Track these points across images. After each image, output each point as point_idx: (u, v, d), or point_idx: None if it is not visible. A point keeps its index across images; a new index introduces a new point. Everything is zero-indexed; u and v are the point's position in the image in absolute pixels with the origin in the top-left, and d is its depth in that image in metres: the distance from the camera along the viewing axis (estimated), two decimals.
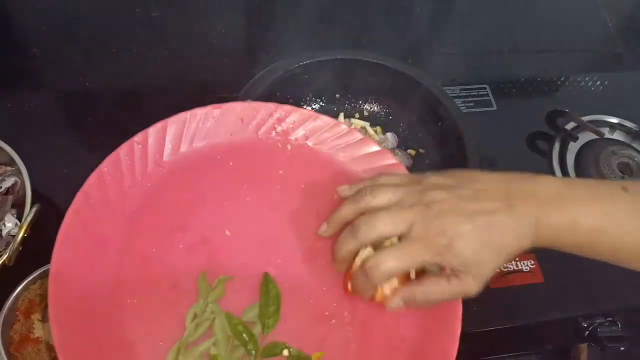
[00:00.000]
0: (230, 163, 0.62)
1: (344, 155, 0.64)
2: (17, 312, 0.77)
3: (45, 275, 0.79)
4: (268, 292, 0.57)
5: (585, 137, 1.04)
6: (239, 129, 0.62)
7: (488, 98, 1.08)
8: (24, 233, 0.77)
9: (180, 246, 0.59)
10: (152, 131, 0.60)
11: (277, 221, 0.62)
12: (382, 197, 0.53)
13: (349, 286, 0.56)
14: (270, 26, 1.18)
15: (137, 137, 0.59)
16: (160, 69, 1.09)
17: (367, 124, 0.91)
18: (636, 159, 0.99)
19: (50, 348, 0.75)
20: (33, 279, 0.78)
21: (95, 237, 0.56)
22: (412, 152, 0.90)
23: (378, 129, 0.92)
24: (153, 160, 0.60)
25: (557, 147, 1.03)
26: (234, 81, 1.05)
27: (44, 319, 0.78)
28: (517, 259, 0.89)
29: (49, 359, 0.75)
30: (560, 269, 0.90)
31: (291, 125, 0.62)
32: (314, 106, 0.90)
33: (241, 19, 1.21)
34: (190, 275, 0.57)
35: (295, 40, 1.09)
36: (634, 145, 1.05)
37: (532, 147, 1.05)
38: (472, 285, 0.53)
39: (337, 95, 0.91)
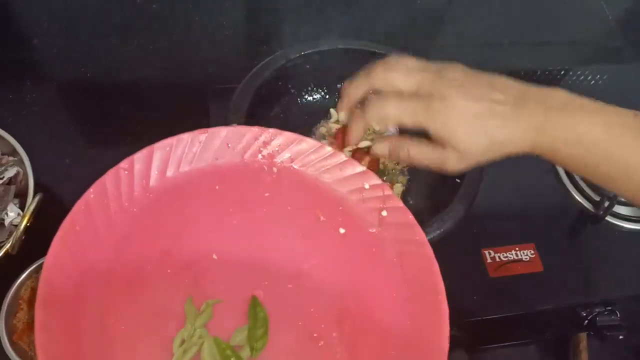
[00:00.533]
0: (217, 187, 0.63)
1: (329, 176, 0.64)
2: (20, 301, 0.77)
3: None
4: (256, 314, 0.57)
5: None
6: (225, 153, 0.62)
7: None
8: (27, 222, 0.78)
9: (168, 271, 0.59)
10: (139, 157, 0.60)
11: (264, 243, 0.62)
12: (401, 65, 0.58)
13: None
14: (271, 16, 1.18)
15: (123, 164, 0.60)
16: (162, 60, 1.09)
17: None
18: None
19: None
20: (36, 267, 0.78)
21: (83, 263, 0.56)
22: None
23: None
24: (140, 186, 0.60)
25: None
26: (235, 72, 1.05)
27: None
28: (517, 248, 0.90)
29: None
30: (560, 258, 0.91)
31: (277, 149, 0.63)
32: (315, 96, 0.91)
33: (242, 9, 1.21)
34: (178, 299, 0.57)
35: (296, 31, 1.09)
36: None
37: None
38: (452, 161, 0.55)
39: (339, 86, 0.91)
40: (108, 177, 0.60)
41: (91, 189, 0.59)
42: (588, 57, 1.27)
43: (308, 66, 0.84)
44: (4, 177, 0.84)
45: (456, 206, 0.71)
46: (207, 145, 0.62)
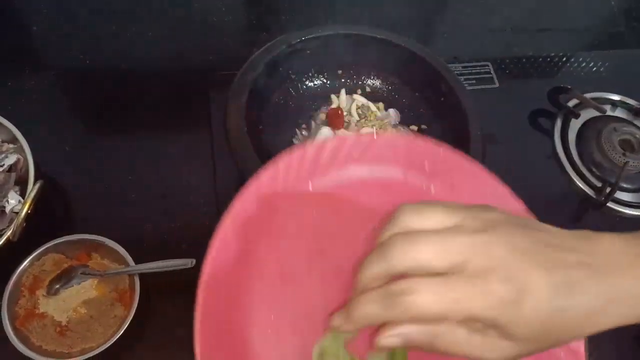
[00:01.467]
0: (374, 198, 0.59)
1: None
2: (22, 288, 0.78)
3: (49, 251, 0.79)
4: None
5: (587, 114, 1.03)
6: (389, 165, 0.59)
7: (490, 75, 1.07)
8: (28, 209, 0.77)
9: (316, 273, 0.56)
10: (304, 152, 0.57)
11: None
12: (431, 216, 0.39)
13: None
14: (272, 2, 1.17)
15: (295, 154, 0.57)
16: (162, 47, 1.08)
17: (369, 103, 0.90)
18: (637, 136, 0.99)
19: (55, 323, 0.76)
20: (37, 255, 0.78)
21: (243, 250, 0.55)
22: (414, 128, 0.90)
23: (380, 105, 0.92)
24: (303, 179, 0.58)
25: (559, 124, 1.03)
26: (235, 58, 1.04)
27: (49, 294, 0.78)
28: None
29: (54, 333, 0.76)
30: None
31: (441, 168, 0.59)
32: (315, 82, 0.90)
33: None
34: (323, 305, 0.55)
35: (297, 17, 1.09)
36: (636, 122, 1.05)
37: (534, 124, 1.05)
38: (506, 350, 0.38)
39: (339, 72, 0.91)
40: (281, 164, 0.58)
41: (262, 174, 0.57)
42: (590, 43, 1.26)
43: (309, 51, 0.84)
44: (4, 164, 0.83)
45: None
46: (377, 152, 0.59)
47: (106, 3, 1.13)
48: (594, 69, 1.17)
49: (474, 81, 1.05)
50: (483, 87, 1.05)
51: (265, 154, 0.81)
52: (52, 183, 0.90)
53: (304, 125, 0.89)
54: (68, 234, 0.80)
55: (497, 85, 1.06)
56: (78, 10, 1.11)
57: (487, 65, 1.08)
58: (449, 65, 1.04)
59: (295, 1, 1.09)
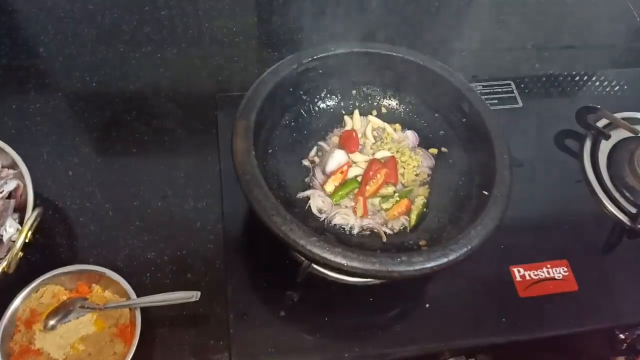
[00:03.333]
0: None
1: None
2: (17, 322, 0.74)
3: (48, 283, 0.75)
4: None
5: (618, 135, 0.97)
6: None
7: (513, 95, 1.02)
8: (25, 238, 0.73)
9: None
10: None
11: None
12: None
13: None
14: (283, 21, 1.13)
15: None
16: (169, 68, 1.05)
17: (385, 124, 0.85)
18: None
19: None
20: (35, 286, 0.74)
21: None
22: (434, 151, 0.85)
23: (397, 126, 0.86)
24: None
25: (588, 146, 0.96)
26: (245, 79, 1.01)
27: (46, 329, 0.74)
28: (548, 265, 0.83)
29: None
30: (596, 275, 0.84)
31: None
32: (328, 103, 0.85)
33: (253, 14, 1.17)
34: None
35: (308, 36, 1.05)
36: None
37: (561, 147, 0.99)
38: None
39: (353, 92, 0.86)
40: None
41: None
42: (616, 60, 1.20)
43: (321, 71, 0.79)
44: (3, 190, 0.80)
45: (485, 221, 0.65)
46: None
47: (114, 24, 1.10)
48: (621, 87, 1.11)
49: (495, 101, 1.00)
50: (506, 107, 1.00)
51: (273, 179, 0.77)
52: (53, 210, 0.87)
53: (316, 148, 0.84)
54: (68, 264, 0.76)
55: (520, 105, 1.01)
56: (85, 31, 1.09)
57: (509, 84, 1.03)
58: (470, 84, 1.01)
59: (308, 20, 1.05)
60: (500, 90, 1.02)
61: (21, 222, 0.78)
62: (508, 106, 1.00)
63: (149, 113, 0.99)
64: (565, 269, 0.83)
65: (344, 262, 0.59)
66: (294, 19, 1.13)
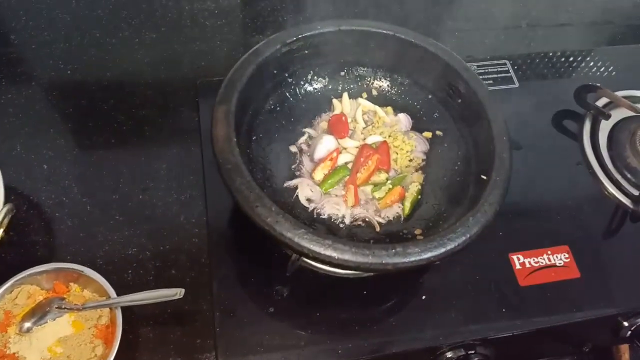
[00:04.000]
0: None
1: None
2: None
3: (23, 282, 0.71)
4: None
5: (619, 114, 0.93)
6: None
7: (509, 74, 0.98)
8: None
9: None
10: None
11: None
12: None
13: None
14: (268, 1, 1.08)
15: None
16: (149, 53, 1.00)
17: (375, 107, 0.81)
18: None
19: None
20: (9, 287, 0.70)
21: None
22: (428, 134, 0.80)
23: (389, 109, 0.82)
24: None
25: (587, 126, 0.93)
26: (227, 64, 0.95)
27: (21, 332, 0.70)
28: (549, 252, 0.80)
29: None
30: (599, 261, 0.81)
31: None
32: (315, 86, 0.80)
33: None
34: None
35: (295, 18, 1.00)
36: None
37: (559, 128, 0.95)
38: None
39: (342, 73, 0.81)
40: None
41: None
42: (613, 37, 1.16)
43: (307, 51, 0.74)
44: None
45: (484, 207, 0.61)
46: None
47: (90, 7, 1.05)
48: (620, 65, 1.07)
49: (491, 81, 0.96)
50: (502, 87, 0.96)
51: (258, 167, 0.72)
52: (27, 205, 0.82)
53: (305, 135, 0.79)
54: (44, 262, 0.72)
55: (516, 85, 0.97)
56: (59, 16, 1.03)
57: (505, 64, 0.99)
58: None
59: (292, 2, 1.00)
60: (495, 70, 0.98)
61: None
62: (504, 86, 0.96)
63: (127, 102, 0.94)
64: (567, 255, 0.79)
65: (334, 255, 0.55)
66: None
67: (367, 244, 0.57)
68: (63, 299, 0.73)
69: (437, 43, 0.75)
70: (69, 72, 0.97)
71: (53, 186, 0.85)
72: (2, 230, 0.70)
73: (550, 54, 1.05)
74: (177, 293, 0.71)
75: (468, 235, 0.58)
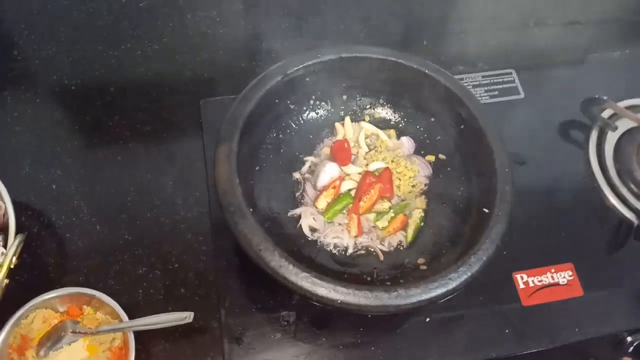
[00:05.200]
0: None
1: None
2: (9, 350, 0.72)
3: (38, 307, 0.73)
4: None
5: (625, 125, 0.92)
6: None
7: (514, 85, 0.96)
8: (10, 264, 0.71)
9: None
10: None
11: None
12: None
13: None
14: (270, 8, 1.06)
15: None
16: (151, 66, 0.99)
17: (378, 130, 0.80)
18: None
19: None
20: (24, 312, 0.71)
21: None
22: (431, 158, 0.80)
23: (392, 132, 0.81)
24: None
25: (593, 137, 0.92)
26: (231, 79, 0.96)
27: (38, 356, 0.72)
28: (552, 270, 0.80)
29: None
30: (602, 279, 0.81)
31: None
32: (318, 112, 0.80)
33: (239, 6, 1.09)
34: None
35: (298, 23, 0.98)
36: None
37: (565, 138, 0.94)
38: None
39: (344, 97, 0.80)
40: None
41: None
42: (621, 35, 1.13)
43: (308, 79, 0.74)
44: None
45: (486, 244, 0.61)
46: None
47: (90, 19, 1.04)
48: (624, 60, 1.04)
49: (496, 92, 0.95)
50: (507, 98, 0.94)
51: (263, 198, 0.73)
52: (38, 227, 0.84)
53: (308, 163, 0.79)
54: (57, 283, 0.75)
55: (522, 96, 0.95)
56: (60, 29, 1.02)
57: (511, 74, 0.97)
58: (468, 75, 0.95)
59: (296, 6, 0.98)
60: (501, 80, 0.96)
61: (5, 243, 0.75)
62: (509, 97, 0.95)
63: (132, 117, 0.94)
64: (570, 273, 0.80)
65: (337, 297, 0.56)
66: (283, 4, 1.05)
67: (369, 286, 0.58)
68: (77, 322, 0.75)
69: (440, 69, 0.74)
70: (73, 87, 0.97)
71: (62, 206, 0.86)
72: (15, 257, 0.72)
73: (558, 61, 1.03)
74: (186, 317, 0.73)
75: (469, 274, 0.59)
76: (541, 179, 0.88)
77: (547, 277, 0.79)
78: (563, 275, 0.80)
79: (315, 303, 0.58)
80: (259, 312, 0.74)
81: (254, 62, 1.00)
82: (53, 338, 0.74)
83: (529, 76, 0.98)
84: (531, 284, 0.79)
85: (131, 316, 0.72)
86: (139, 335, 0.71)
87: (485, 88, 0.95)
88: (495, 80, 0.96)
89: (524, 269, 0.80)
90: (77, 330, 0.74)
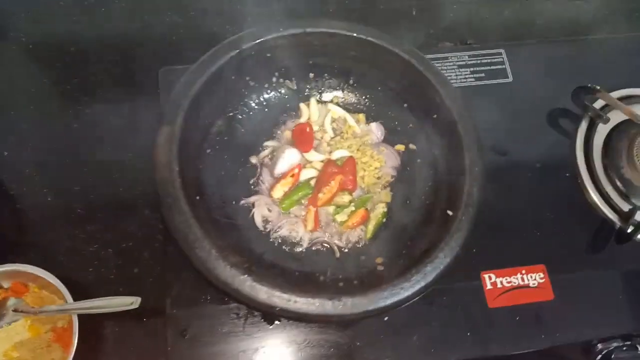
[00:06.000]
0: None
1: None
2: None
3: None
4: None
5: (618, 117, 0.85)
6: None
7: (503, 67, 0.89)
8: None
9: None
10: None
11: None
12: None
13: None
14: None
15: None
16: (116, 25, 0.92)
17: (346, 114, 0.74)
18: None
19: None
20: None
21: None
22: (401, 147, 0.74)
23: (361, 117, 0.75)
24: None
25: (583, 128, 0.85)
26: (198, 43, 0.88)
27: None
28: (523, 271, 0.76)
29: None
30: (574, 283, 0.76)
31: None
32: (281, 90, 0.73)
33: None
34: None
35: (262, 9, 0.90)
36: None
37: (553, 128, 0.87)
38: None
39: (311, 75, 0.74)
40: None
41: None
42: (626, 16, 1.04)
43: (269, 54, 0.67)
44: None
45: (444, 252, 0.57)
46: None
47: None
48: (631, 55, 0.96)
49: (482, 74, 0.87)
50: (494, 81, 0.87)
51: (212, 182, 0.67)
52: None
53: (266, 146, 0.74)
54: (4, 258, 0.70)
55: (510, 79, 0.88)
56: None
57: (500, 54, 0.90)
58: (454, 53, 0.88)
59: None
60: (489, 61, 0.89)
61: None
62: (496, 81, 0.88)
63: (92, 81, 0.88)
64: (542, 275, 0.75)
65: (277, 304, 0.52)
66: None
67: (313, 293, 0.53)
68: (21, 300, 0.72)
69: (414, 49, 0.67)
70: (30, 46, 0.90)
71: (14, 175, 0.81)
72: None
73: (552, 43, 0.95)
74: (132, 302, 0.69)
75: (423, 284, 0.55)
76: (521, 172, 0.82)
77: (516, 279, 0.75)
78: (534, 277, 0.75)
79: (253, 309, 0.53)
80: (207, 303, 0.70)
81: (227, 27, 0.92)
82: None
83: (519, 57, 0.91)
84: (499, 285, 0.74)
85: (79, 296, 0.68)
86: (85, 317, 0.68)
87: (472, 69, 0.87)
88: (483, 61, 0.89)
89: (492, 268, 0.75)
90: (20, 309, 0.71)
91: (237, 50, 0.62)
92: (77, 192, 0.80)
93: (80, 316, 0.68)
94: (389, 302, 0.54)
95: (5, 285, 0.72)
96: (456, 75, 0.86)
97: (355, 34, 0.66)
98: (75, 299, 0.68)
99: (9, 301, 0.72)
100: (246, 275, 0.52)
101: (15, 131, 0.83)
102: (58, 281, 0.70)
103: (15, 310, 0.71)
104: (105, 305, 0.70)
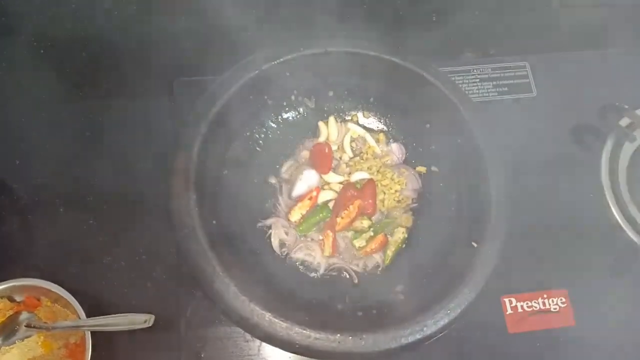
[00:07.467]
0: None
1: None
2: None
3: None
4: None
5: None
6: None
7: (527, 81, 0.86)
8: None
9: None
10: None
11: None
12: None
13: None
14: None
15: None
16: (130, 29, 0.90)
17: (366, 133, 0.72)
18: None
19: None
20: None
21: None
22: (422, 169, 0.72)
23: (381, 136, 0.73)
24: None
25: (608, 147, 0.83)
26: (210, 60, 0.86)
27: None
28: (544, 295, 0.74)
29: None
30: (597, 308, 0.74)
31: None
32: (300, 109, 0.71)
33: None
34: None
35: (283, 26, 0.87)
36: None
37: (577, 146, 0.84)
38: None
39: (330, 93, 0.71)
40: None
41: None
42: None
43: (288, 73, 0.65)
44: None
45: (468, 287, 0.55)
46: None
47: None
48: None
49: (505, 88, 0.85)
50: (517, 96, 0.85)
51: (228, 204, 0.66)
52: (9, 200, 0.78)
53: (287, 164, 0.72)
54: (18, 271, 0.70)
55: (534, 94, 0.85)
56: None
57: (524, 66, 0.87)
58: (476, 66, 0.85)
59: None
60: (512, 74, 0.86)
61: None
62: (520, 95, 0.85)
63: (104, 89, 0.87)
64: (564, 300, 0.74)
65: (297, 340, 0.51)
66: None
67: (333, 328, 0.51)
68: (33, 314, 0.71)
69: (438, 70, 0.65)
70: (42, 51, 0.88)
71: (25, 184, 0.80)
72: None
73: (579, 54, 0.92)
74: (146, 320, 0.68)
75: (447, 321, 0.53)
76: (543, 192, 0.79)
77: (537, 303, 0.73)
78: (555, 302, 0.73)
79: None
80: (223, 324, 0.69)
81: (246, 35, 0.89)
82: (7, 330, 0.70)
83: (544, 70, 0.88)
84: (520, 309, 0.73)
85: (91, 308, 0.67)
86: (98, 332, 0.67)
87: (494, 83, 0.85)
88: (506, 74, 0.86)
89: (513, 293, 0.73)
90: (32, 325, 0.70)
91: (257, 71, 0.60)
92: (89, 203, 0.79)
93: (93, 332, 0.67)
94: (410, 339, 0.52)
95: (18, 299, 0.72)
96: (478, 89, 0.83)
97: (377, 54, 0.63)
98: (86, 312, 0.67)
99: (22, 315, 0.71)
100: (266, 312, 0.50)
101: (27, 139, 0.82)
102: (70, 295, 0.69)
103: (28, 326, 0.70)
104: (118, 322, 0.69)
